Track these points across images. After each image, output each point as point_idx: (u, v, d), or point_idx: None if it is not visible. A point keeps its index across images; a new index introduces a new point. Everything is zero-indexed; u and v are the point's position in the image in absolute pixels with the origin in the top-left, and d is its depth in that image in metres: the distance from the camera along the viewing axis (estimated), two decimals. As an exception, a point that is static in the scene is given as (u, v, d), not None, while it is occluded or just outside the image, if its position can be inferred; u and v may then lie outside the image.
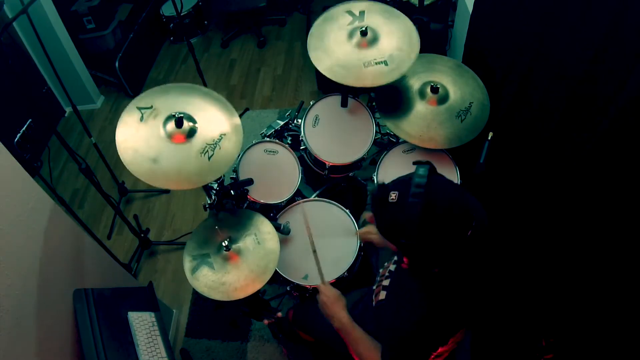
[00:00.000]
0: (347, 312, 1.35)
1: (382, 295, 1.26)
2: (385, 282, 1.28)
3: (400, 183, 1.01)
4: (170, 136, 1.50)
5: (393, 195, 0.99)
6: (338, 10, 1.82)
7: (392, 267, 1.31)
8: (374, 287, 1.36)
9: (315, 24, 1.79)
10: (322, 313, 1.41)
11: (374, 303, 1.32)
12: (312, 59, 1.70)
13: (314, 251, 1.57)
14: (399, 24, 1.79)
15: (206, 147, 1.49)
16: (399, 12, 1.82)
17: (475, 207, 1.04)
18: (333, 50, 1.72)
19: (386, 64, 1.69)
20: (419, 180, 0.96)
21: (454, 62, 1.97)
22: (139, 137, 1.49)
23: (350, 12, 1.80)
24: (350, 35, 1.74)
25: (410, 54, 1.71)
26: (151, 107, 1.53)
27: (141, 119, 1.52)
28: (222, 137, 1.52)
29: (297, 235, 1.84)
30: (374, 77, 1.67)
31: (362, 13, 1.80)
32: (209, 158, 1.48)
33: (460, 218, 0.98)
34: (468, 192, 1.09)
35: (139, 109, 1.53)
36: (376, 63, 1.69)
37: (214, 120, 1.56)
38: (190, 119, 1.53)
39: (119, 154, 1.46)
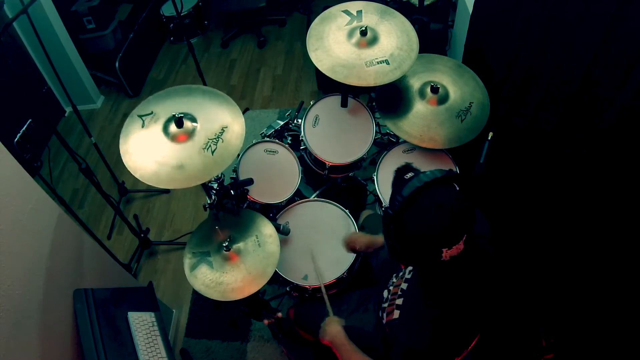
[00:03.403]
0: (343, 329, 1.42)
1: (396, 314, 1.26)
2: (399, 301, 1.28)
3: (422, 173, 1.09)
4: (172, 137, 1.50)
5: (409, 175, 1.10)
6: (335, 10, 1.82)
7: (404, 286, 1.31)
8: (385, 305, 1.36)
9: (313, 25, 1.79)
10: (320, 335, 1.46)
11: (384, 321, 1.33)
12: (312, 59, 1.70)
13: (325, 292, 1.61)
14: (396, 23, 1.79)
15: (208, 142, 1.50)
16: (395, 11, 1.82)
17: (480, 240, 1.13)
18: (333, 50, 1.72)
19: (387, 63, 1.69)
20: (424, 176, 1.05)
21: (454, 62, 1.97)
22: (141, 142, 1.50)
23: (347, 12, 1.80)
24: (350, 35, 1.74)
25: (410, 52, 1.71)
26: (151, 113, 1.54)
27: (142, 125, 1.53)
28: (224, 130, 1.52)
29: (297, 236, 1.84)
30: (376, 76, 1.67)
31: (359, 12, 1.80)
32: (212, 152, 1.48)
33: (436, 228, 1.01)
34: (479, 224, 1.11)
35: (140, 117, 1.54)
36: (378, 62, 1.69)
37: (214, 115, 1.56)
38: (191, 117, 1.53)
39: (124, 162, 1.46)
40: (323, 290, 1.62)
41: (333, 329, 1.42)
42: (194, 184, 1.45)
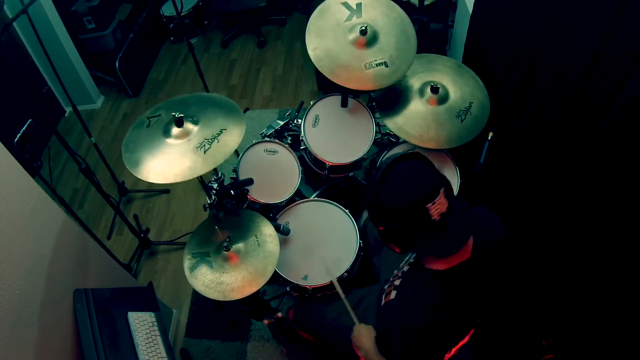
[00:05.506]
0: (374, 342, 1.39)
1: (393, 294, 1.26)
2: (397, 282, 1.28)
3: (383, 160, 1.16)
4: (170, 136, 1.51)
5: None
6: (333, 2, 1.78)
7: (406, 268, 1.31)
8: (385, 287, 1.35)
9: (312, 18, 1.75)
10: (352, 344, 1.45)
11: (382, 302, 1.32)
12: (312, 59, 1.70)
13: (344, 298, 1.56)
14: (395, 18, 1.77)
15: (203, 142, 1.51)
16: (395, 4, 1.80)
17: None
18: (332, 49, 1.71)
19: (386, 65, 1.69)
20: (387, 159, 1.13)
21: (454, 62, 1.97)
22: (140, 140, 1.52)
23: (346, 5, 1.78)
24: (350, 33, 1.73)
25: (408, 53, 1.71)
26: (159, 115, 1.58)
27: (148, 125, 1.55)
28: (221, 132, 1.53)
29: (297, 236, 1.84)
30: (375, 79, 1.67)
31: (358, 6, 1.78)
32: (205, 152, 1.49)
33: (408, 195, 1.06)
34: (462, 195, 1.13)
35: (148, 118, 1.59)
36: (377, 64, 1.69)
37: (215, 118, 1.57)
38: (191, 119, 1.54)
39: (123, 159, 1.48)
40: (343, 297, 1.56)
41: (366, 343, 1.40)
42: (179, 180, 1.45)
